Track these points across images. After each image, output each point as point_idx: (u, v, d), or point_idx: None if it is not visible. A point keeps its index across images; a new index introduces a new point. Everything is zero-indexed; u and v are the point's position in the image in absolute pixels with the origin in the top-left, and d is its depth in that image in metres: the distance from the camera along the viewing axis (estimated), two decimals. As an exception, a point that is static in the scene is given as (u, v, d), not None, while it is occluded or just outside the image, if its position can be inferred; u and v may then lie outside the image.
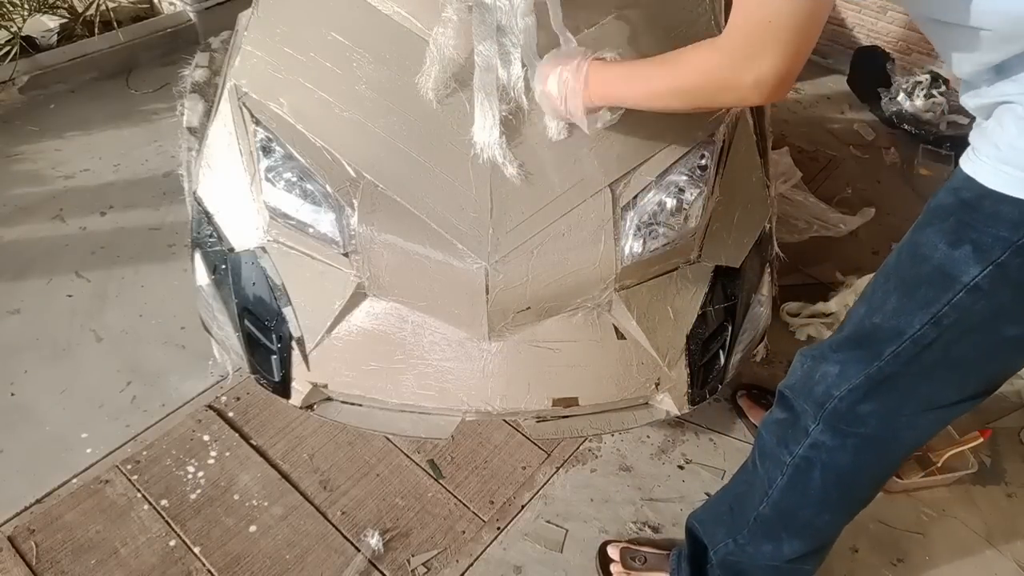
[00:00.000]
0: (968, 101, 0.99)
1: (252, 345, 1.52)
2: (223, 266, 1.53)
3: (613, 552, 1.59)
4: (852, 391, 1.10)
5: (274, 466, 1.73)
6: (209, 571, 1.54)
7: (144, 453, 1.73)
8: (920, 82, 3.06)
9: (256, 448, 1.76)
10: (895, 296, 1.04)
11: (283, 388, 1.51)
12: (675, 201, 1.47)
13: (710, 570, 1.43)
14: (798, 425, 1.19)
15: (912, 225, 1.04)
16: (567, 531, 1.66)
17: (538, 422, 1.54)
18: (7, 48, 2.77)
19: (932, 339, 1.01)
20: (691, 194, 1.49)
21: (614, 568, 1.57)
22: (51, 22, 3.05)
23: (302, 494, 1.68)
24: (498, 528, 1.66)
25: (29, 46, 2.87)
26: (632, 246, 1.44)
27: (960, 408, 1.11)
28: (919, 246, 1.00)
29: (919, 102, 3.03)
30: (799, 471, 1.21)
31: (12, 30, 2.79)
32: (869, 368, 1.07)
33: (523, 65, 1.39)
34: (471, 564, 1.60)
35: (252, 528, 1.62)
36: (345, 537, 1.61)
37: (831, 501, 1.23)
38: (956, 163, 0.93)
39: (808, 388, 1.16)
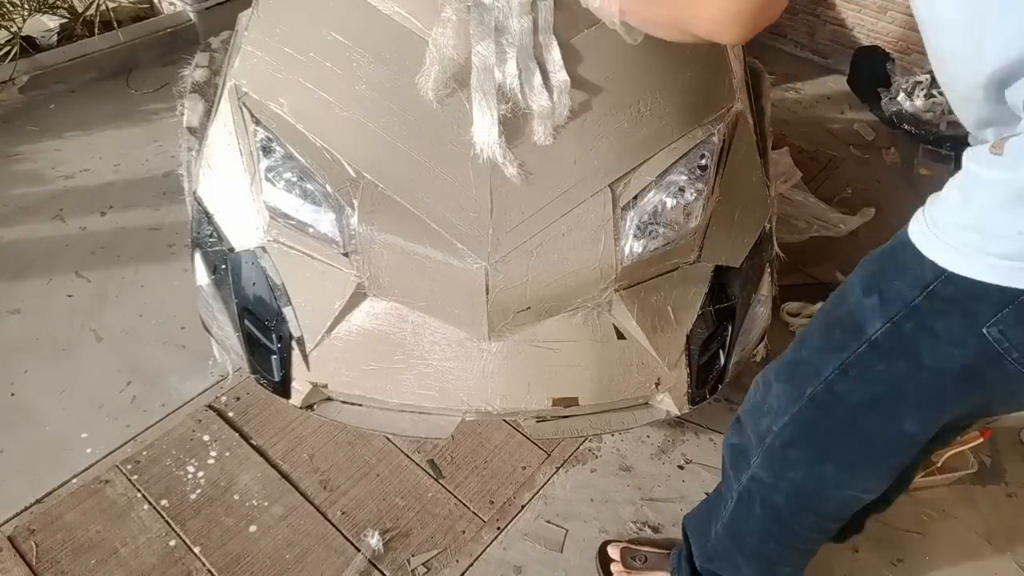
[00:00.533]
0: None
1: (252, 345, 1.52)
2: (223, 266, 1.53)
3: (613, 552, 1.59)
4: (782, 429, 1.10)
5: (274, 466, 1.73)
6: (209, 571, 1.54)
7: (144, 453, 1.73)
8: (920, 82, 3.06)
9: (256, 448, 1.76)
10: (818, 334, 1.05)
11: (283, 388, 1.51)
12: (675, 201, 1.47)
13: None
14: (745, 454, 1.20)
15: None
16: (567, 531, 1.66)
17: (538, 422, 1.54)
18: (7, 48, 2.77)
19: (842, 392, 1.00)
20: (691, 194, 1.49)
21: (615, 568, 1.57)
22: (51, 22, 3.05)
23: (302, 494, 1.68)
24: (498, 528, 1.66)
25: (29, 46, 2.87)
26: (632, 246, 1.44)
27: (870, 492, 1.10)
28: (845, 286, 1.00)
29: (919, 102, 3.03)
30: (742, 500, 1.22)
31: (12, 30, 2.79)
32: (794, 408, 1.07)
33: (519, 66, 1.39)
34: (471, 564, 1.60)
35: (252, 528, 1.62)
36: (345, 537, 1.61)
37: (774, 533, 1.23)
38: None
39: (755, 418, 1.17)
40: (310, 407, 1.54)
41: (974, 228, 0.82)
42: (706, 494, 1.70)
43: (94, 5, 3.00)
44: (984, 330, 0.84)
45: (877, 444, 1.04)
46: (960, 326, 0.86)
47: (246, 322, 1.51)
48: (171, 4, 3.24)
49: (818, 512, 1.18)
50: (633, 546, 1.60)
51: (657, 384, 1.50)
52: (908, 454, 1.05)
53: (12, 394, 1.85)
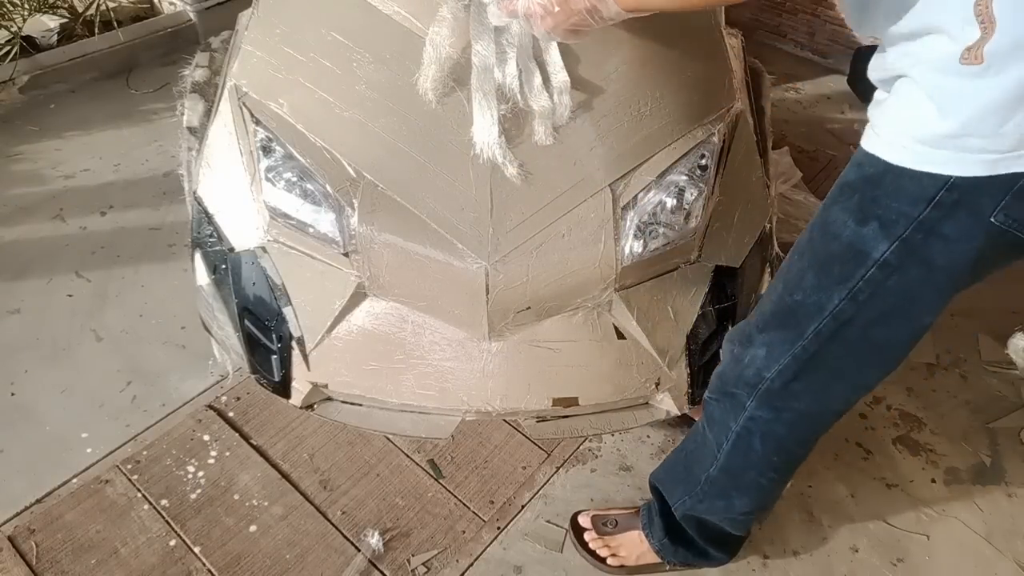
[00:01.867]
0: (872, 74, 1.01)
1: (252, 345, 1.52)
2: (223, 266, 1.53)
3: (584, 521, 1.63)
4: (782, 372, 1.14)
5: (274, 466, 1.73)
6: (209, 571, 1.54)
7: (144, 453, 1.73)
8: (920, 82, 3.06)
9: (256, 448, 1.76)
10: (811, 273, 1.06)
11: (283, 388, 1.51)
12: (675, 201, 1.48)
13: (677, 522, 1.49)
14: (735, 401, 1.24)
15: (823, 203, 1.06)
16: (567, 531, 1.65)
17: (538, 422, 1.54)
18: (7, 48, 2.77)
19: (851, 315, 1.04)
20: (691, 194, 1.49)
21: (588, 536, 1.61)
22: (51, 22, 3.05)
23: (302, 494, 1.68)
24: (498, 528, 1.66)
25: (29, 46, 2.87)
26: (632, 246, 1.44)
27: (882, 380, 1.16)
28: (828, 224, 1.03)
29: (919, 102, 3.02)
30: (740, 439, 1.26)
31: (12, 30, 2.79)
32: (794, 348, 1.10)
33: (518, 66, 1.39)
34: (471, 564, 1.60)
35: (252, 528, 1.62)
36: (345, 537, 1.61)
37: (773, 463, 1.29)
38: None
39: (738, 372, 1.20)
40: (310, 407, 1.54)
41: (969, 134, 0.85)
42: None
43: (94, 5, 3.00)
44: (991, 219, 0.89)
45: (891, 348, 1.09)
46: (968, 223, 0.90)
47: (246, 322, 1.51)
48: (171, 4, 3.24)
49: (820, 431, 1.25)
50: (602, 512, 1.64)
51: (657, 384, 1.50)
52: (919, 341, 1.09)
53: (12, 394, 1.85)
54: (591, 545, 1.59)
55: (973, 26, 0.81)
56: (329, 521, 1.64)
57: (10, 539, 1.56)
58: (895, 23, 0.90)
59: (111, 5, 3.08)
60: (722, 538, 1.51)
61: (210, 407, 1.84)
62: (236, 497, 1.67)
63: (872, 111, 0.99)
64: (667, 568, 1.58)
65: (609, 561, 1.57)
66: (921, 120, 0.88)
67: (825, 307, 1.04)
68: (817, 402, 1.18)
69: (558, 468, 1.78)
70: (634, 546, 1.57)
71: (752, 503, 1.37)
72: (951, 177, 0.88)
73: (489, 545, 1.63)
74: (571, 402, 1.47)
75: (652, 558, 1.56)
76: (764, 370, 1.15)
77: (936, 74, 0.87)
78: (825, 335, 1.07)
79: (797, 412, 1.19)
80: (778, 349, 1.13)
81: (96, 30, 2.98)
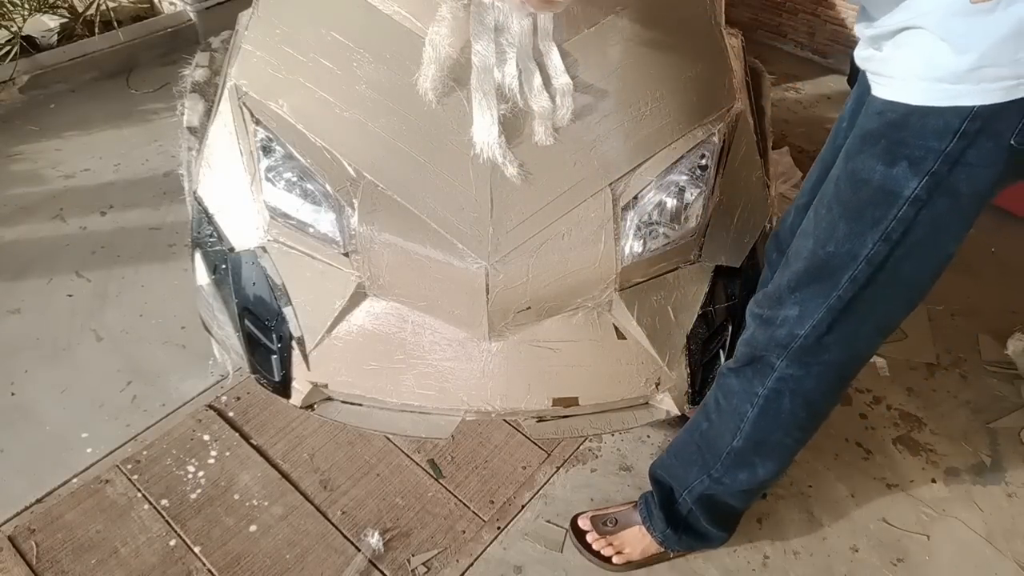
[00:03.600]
0: (864, 30, 1.06)
1: (252, 345, 1.52)
2: (223, 266, 1.53)
3: (584, 523, 1.63)
4: (815, 327, 1.16)
5: (274, 466, 1.73)
6: (209, 571, 1.54)
7: (144, 453, 1.73)
8: (920, 82, 3.06)
9: (256, 448, 1.76)
10: (843, 223, 1.09)
11: (283, 388, 1.51)
12: (675, 201, 1.48)
13: (680, 508, 1.51)
14: (763, 363, 1.26)
15: (842, 155, 1.10)
16: (567, 531, 1.65)
17: (538, 422, 1.54)
18: (7, 48, 2.77)
19: (884, 256, 1.07)
20: (691, 194, 1.49)
21: (590, 538, 1.61)
22: (51, 22, 3.05)
23: (302, 494, 1.68)
24: (498, 528, 1.66)
25: (29, 46, 2.87)
26: (632, 246, 1.44)
27: (904, 318, 1.21)
28: (856, 172, 1.06)
29: (919, 102, 3.03)
30: (769, 401, 1.28)
31: (12, 30, 2.79)
32: (829, 300, 1.14)
33: (518, 66, 1.39)
34: (471, 564, 1.60)
35: (252, 528, 1.62)
36: (345, 537, 1.62)
37: (800, 421, 1.31)
38: None
39: (769, 335, 1.22)
40: (310, 407, 1.54)
41: (987, 66, 0.91)
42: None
43: (94, 5, 3.00)
44: (1011, 142, 0.95)
45: (919, 283, 1.13)
46: (989, 148, 0.96)
47: (246, 322, 1.51)
48: (171, 4, 3.24)
49: (848, 380, 1.28)
50: (600, 512, 1.65)
51: (657, 384, 1.50)
52: (942, 274, 1.13)
53: (12, 394, 1.85)
54: (595, 546, 1.59)
55: None
56: (329, 521, 1.64)
57: (10, 539, 1.56)
58: None
59: (111, 5, 3.08)
60: (725, 516, 1.53)
61: (210, 407, 1.84)
62: (236, 497, 1.67)
63: (876, 65, 1.04)
64: (671, 556, 1.60)
65: (615, 560, 1.58)
66: (938, 61, 0.94)
67: (859, 253, 1.08)
68: (847, 350, 1.21)
69: (558, 468, 1.78)
70: (637, 541, 1.58)
71: (776, 467, 1.39)
72: (973, 107, 0.94)
73: (489, 545, 1.63)
74: (571, 402, 1.47)
75: (656, 549, 1.57)
76: (797, 327, 1.18)
77: (948, 17, 0.91)
78: (860, 281, 1.10)
79: (826, 364, 1.21)
80: (812, 304, 1.15)
81: (96, 30, 2.99)
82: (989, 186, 1.01)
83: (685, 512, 1.51)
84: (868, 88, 1.08)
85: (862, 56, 1.09)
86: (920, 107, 0.97)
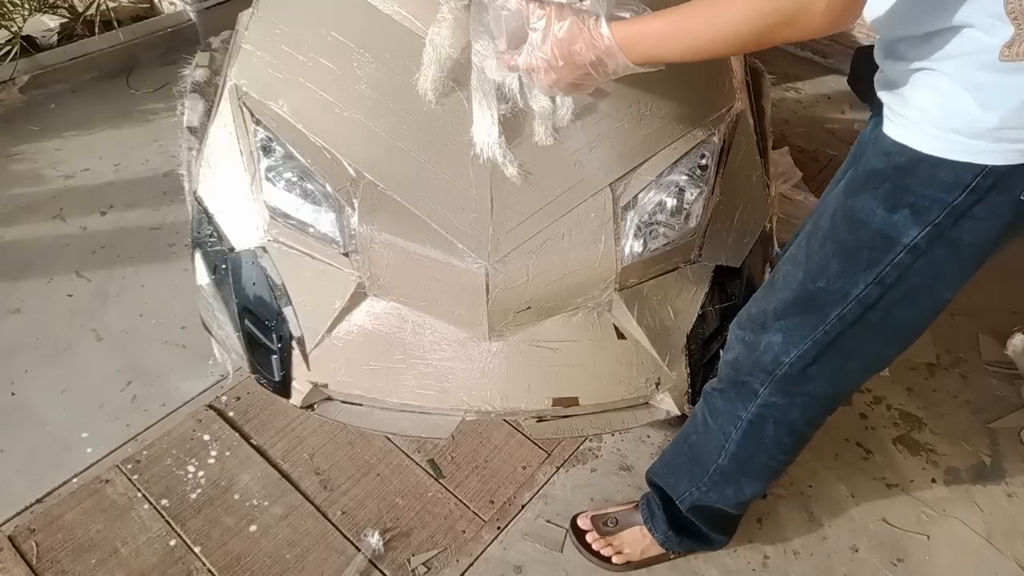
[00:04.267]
0: (883, 60, 1.01)
1: (252, 345, 1.52)
2: (223, 266, 1.53)
3: (584, 523, 1.63)
4: (801, 356, 1.15)
5: (274, 466, 1.73)
6: (209, 570, 1.54)
7: (144, 453, 1.73)
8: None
9: (256, 448, 1.76)
10: (836, 260, 1.07)
11: (283, 388, 1.51)
12: (675, 201, 1.48)
13: (680, 511, 1.51)
14: (746, 388, 1.25)
15: (841, 188, 1.07)
16: (567, 531, 1.65)
17: (538, 422, 1.54)
18: (7, 48, 2.77)
19: (876, 299, 1.05)
20: (691, 194, 1.49)
21: (590, 538, 1.61)
22: (51, 21, 3.05)
23: (302, 494, 1.68)
24: (498, 528, 1.66)
25: (29, 46, 2.87)
26: (632, 246, 1.44)
27: (896, 356, 1.18)
28: (855, 212, 1.03)
29: (919, 102, 3.02)
30: (753, 426, 1.27)
31: (12, 30, 2.79)
32: (815, 333, 1.11)
33: None
34: (471, 564, 1.60)
35: (252, 528, 1.62)
36: (345, 537, 1.62)
37: (785, 446, 1.31)
38: None
39: (754, 359, 1.21)
40: (310, 407, 1.54)
41: (1008, 127, 0.87)
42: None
43: (94, 5, 2.99)
44: (1021, 196, 0.92)
45: (912, 326, 1.11)
46: (998, 203, 0.93)
47: (246, 322, 1.51)
48: (171, 4, 3.24)
49: (833, 409, 1.27)
50: (601, 511, 1.65)
51: (657, 384, 1.50)
52: (937, 317, 1.11)
53: (12, 394, 1.85)
54: (594, 546, 1.59)
55: (1005, 23, 0.82)
56: (329, 521, 1.64)
57: (10, 539, 1.56)
58: (917, 18, 0.90)
59: (111, 5, 3.08)
60: (723, 521, 1.53)
61: (210, 407, 1.84)
62: (236, 497, 1.67)
63: (889, 98, 0.98)
64: (671, 557, 1.60)
65: (614, 559, 1.58)
66: (960, 113, 0.89)
67: (850, 292, 1.06)
68: (832, 383, 1.20)
69: (558, 468, 1.78)
70: (637, 541, 1.58)
71: (762, 485, 1.40)
72: (987, 165, 0.90)
73: (489, 545, 1.63)
74: (571, 402, 1.47)
75: (656, 550, 1.58)
76: (782, 355, 1.16)
77: (974, 70, 0.87)
78: (848, 319, 1.08)
79: (812, 395, 1.21)
80: (797, 334, 1.13)
81: (96, 30, 2.98)
82: (993, 238, 0.98)
83: (684, 516, 1.51)
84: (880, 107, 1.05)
85: (879, 81, 1.03)
86: (931, 156, 0.93)
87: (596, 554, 1.59)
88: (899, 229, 0.98)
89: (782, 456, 1.33)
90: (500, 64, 1.15)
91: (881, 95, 1.01)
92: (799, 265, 1.13)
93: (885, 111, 0.99)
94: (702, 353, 1.53)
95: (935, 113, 0.92)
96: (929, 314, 1.09)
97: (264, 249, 1.50)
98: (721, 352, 1.53)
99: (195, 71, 1.93)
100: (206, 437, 1.78)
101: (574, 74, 1.04)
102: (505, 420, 1.81)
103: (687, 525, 1.52)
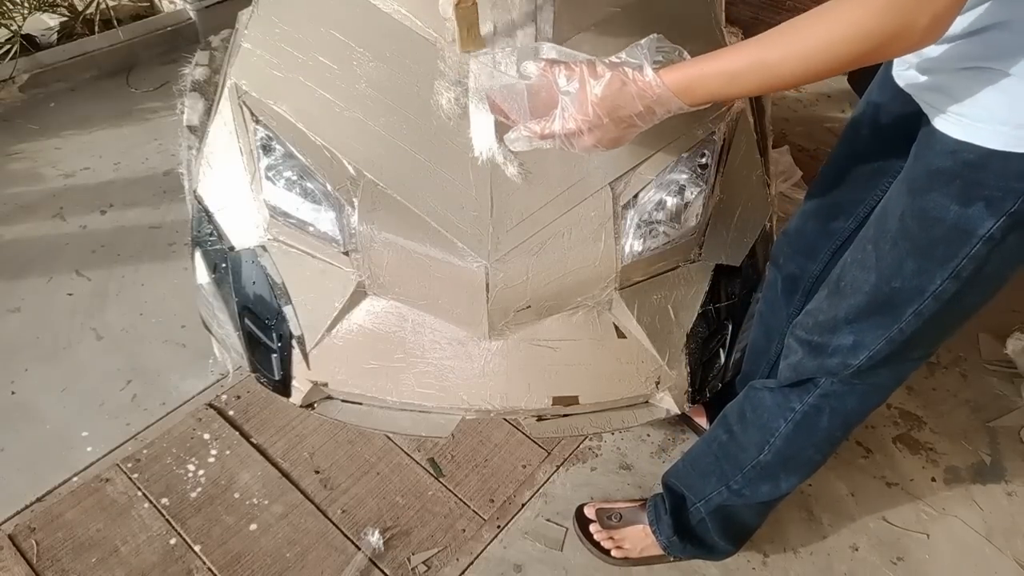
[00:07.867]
0: (912, 57, 1.00)
1: (252, 344, 1.52)
2: (223, 264, 1.53)
3: (590, 512, 1.64)
4: (872, 356, 1.15)
5: (274, 464, 1.73)
6: (209, 569, 1.54)
7: (144, 451, 1.73)
8: (921, 81, 3.06)
9: (256, 446, 1.76)
10: (911, 259, 1.07)
11: (283, 387, 1.51)
12: (675, 200, 1.47)
13: (690, 517, 1.51)
14: (803, 386, 1.25)
15: (905, 190, 1.06)
16: (567, 529, 1.66)
17: (538, 420, 1.54)
18: (7, 46, 2.77)
19: (952, 292, 1.06)
20: (691, 193, 1.49)
21: (593, 528, 1.62)
22: (51, 20, 3.05)
23: (302, 492, 1.68)
24: (498, 526, 1.66)
25: (29, 44, 2.87)
26: (632, 245, 1.44)
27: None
28: (927, 210, 1.03)
29: (920, 101, 3.02)
30: (807, 417, 1.27)
31: (12, 28, 2.79)
32: (890, 332, 1.12)
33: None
34: (471, 562, 1.60)
35: (252, 526, 1.62)
36: (345, 535, 1.62)
37: (835, 438, 1.31)
38: None
39: (819, 363, 1.21)
40: (310, 406, 1.54)
41: None
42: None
43: (94, 3, 2.99)
44: None
45: (977, 306, 1.12)
46: None
47: (246, 321, 1.51)
48: (171, 2, 3.24)
49: (884, 399, 1.28)
50: (607, 505, 1.65)
51: (657, 383, 1.50)
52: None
53: (12, 393, 1.85)
54: (596, 537, 1.60)
55: None
56: (329, 520, 1.64)
57: (10, 537, 1.56)
58: (969, 16, 0.90)
59: (111, 3, 3.07)
60: (738, 531, 1.53)
61: (210, 406, 1.84)
62: (236, 495, 1.67)
63: (928, 96, 0.99)
64: (671, 559, 1.60)
65: (613, 553, 1.58)
66: (1017, 108, 0.90)
67: (927, 289, 1.06)
68: (896, 374, 1.22)
69: (558, 467, 1.79)
70: (638, 540, 1.58)
71: (797, 481, 1.39)
72: None
73: (489, 544, 1.63)
74: (571, 401, 1.47)
75: (656, 551, 1.58)
76: (850, 358, 1.17)
77: None
78: (925, 316, 1.09)
79: (873, 385, 1.22)
80: (870, 335, 1.14)
81: (96, 28, 2.98)
82: None
83: (695, 522, 1.51)
84: (893, 98, 1.02)
85: (906, 76, 1.02)
86: (1000, 151, 0.93)
87: (596, 544, 1.60)
88: (975, 222, 0.99)
89: (827, 449, 1.33)
90: (528, 136, 1.05)
91: (919, 93, 1.00)
92: (869, 269, 1.12)
93: (928, 109, 1.00)
94: (702, 352, 1.53)
95: (1002, 110, 0.92)
96: (992, 295, 1.11)
97: (264, 248, 1.50)
98: (721, 351, 1.54)
99: (195, 70, 1.93)
100: (206, 436, 1.78)
101: (619, 128, 1.00)
102: (505, 419, 1.81)
103: (693, 532, 1.52)
